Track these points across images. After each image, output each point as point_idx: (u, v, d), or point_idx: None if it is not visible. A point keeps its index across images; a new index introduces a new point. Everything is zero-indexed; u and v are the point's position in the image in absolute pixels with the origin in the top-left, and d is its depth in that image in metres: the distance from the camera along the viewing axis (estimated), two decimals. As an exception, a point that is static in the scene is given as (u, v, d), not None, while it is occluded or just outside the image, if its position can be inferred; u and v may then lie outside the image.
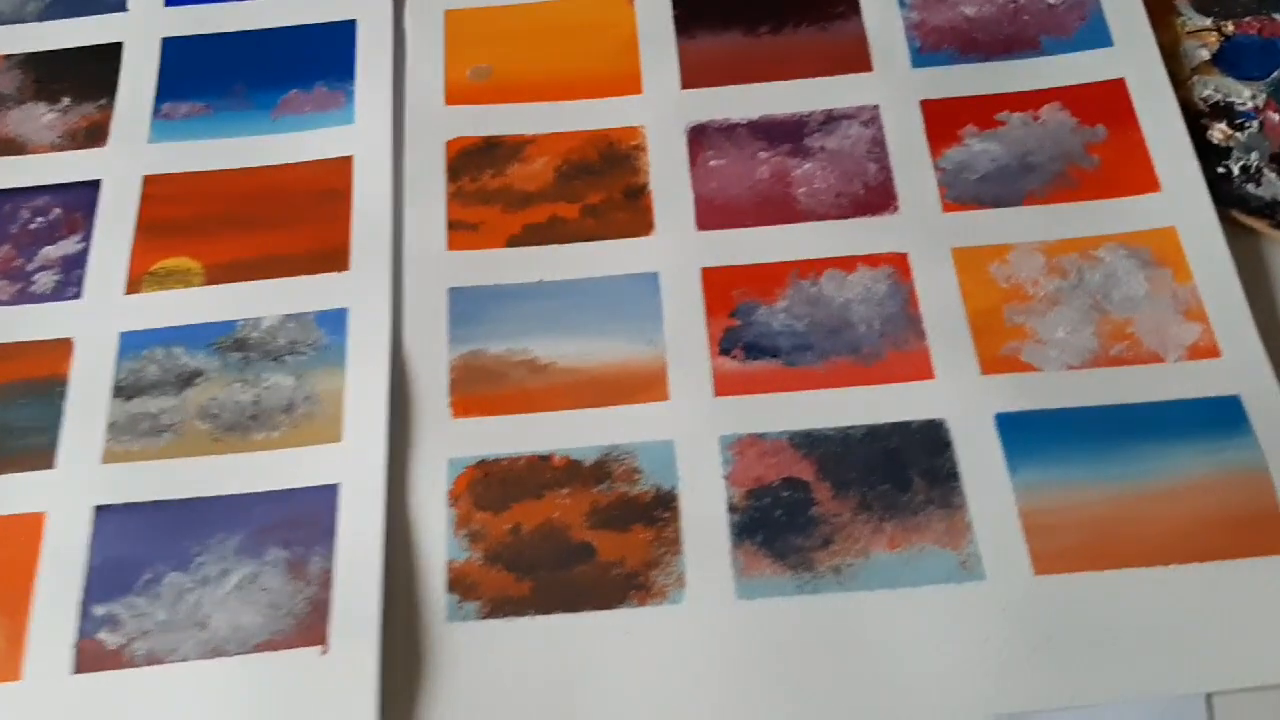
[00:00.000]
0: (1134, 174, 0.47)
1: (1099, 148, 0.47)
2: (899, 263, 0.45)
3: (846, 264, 0.45)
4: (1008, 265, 0.45)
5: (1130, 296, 0.44)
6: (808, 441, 0.42)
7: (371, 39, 0.51)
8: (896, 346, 0.44)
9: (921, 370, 0.43)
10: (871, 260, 0.45)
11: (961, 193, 0.47)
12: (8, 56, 0.52)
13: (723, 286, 0.45)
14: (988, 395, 0.42)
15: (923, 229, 0.46)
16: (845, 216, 0.46)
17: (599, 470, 0.42)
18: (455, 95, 0.50)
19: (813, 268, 0.45)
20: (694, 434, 0.42)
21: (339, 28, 0.52)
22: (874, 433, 0.42)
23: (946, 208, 0.46)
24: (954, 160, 0.47)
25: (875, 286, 0.45)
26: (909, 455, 0.41)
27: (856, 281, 0.45)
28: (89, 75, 0.51)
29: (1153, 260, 0.45)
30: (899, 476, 0.41)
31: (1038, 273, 0.45)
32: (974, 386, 0.42)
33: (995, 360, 0.43)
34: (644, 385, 0.43)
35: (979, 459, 0.41)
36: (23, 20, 0.53)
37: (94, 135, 0.50)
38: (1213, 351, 0.43)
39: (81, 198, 0.48)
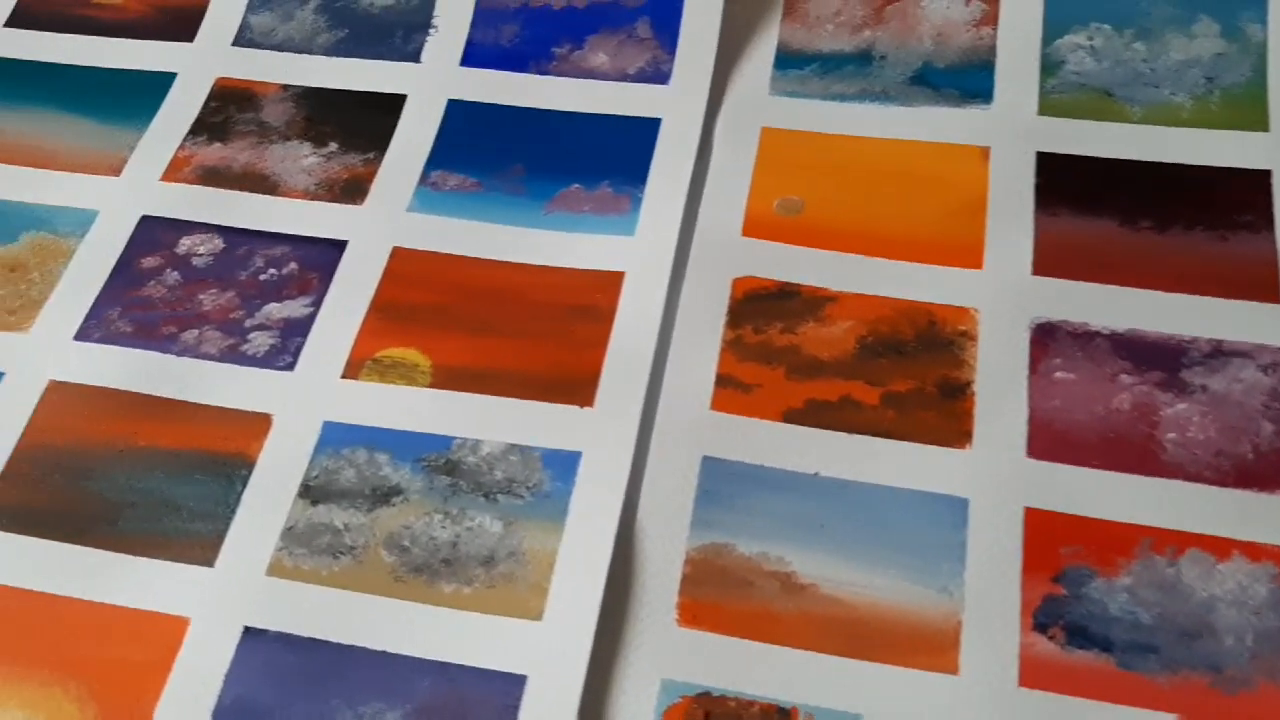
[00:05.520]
0: None
1: None
2: (1292, 563, 0.34)
3: (1219, 547, 0.35)
4: None
5: None
6: (1136, 784, 0.31)
7: (674, 143, 0.44)
8: (1273, 677, 0.32)
9: (1309, 723, 0.32)
10: (1253, 551, 0.35)
11: (1391, 488, 0.35)
12: (285, 86, 0.48)
13: (1049, 538, 0.35)
14: (1405, 785, 0.31)
15: (1331, 525, 0.35)
16: (1224, 484, 0.36)
17: (849, 746, 0.32)
18: (755, 227, 0.42)
19: (1172, 541, 0.35)
20: (983, 730, 0.32)
21: (640, 124, 0.45)
22: (1232, 797, 0.31)
23: (1367, 504, 0.35)
24: (1384, 442, 0.36)
25: (1253, 587, 0.34)
26: (1280, 844, 0.30)
27: (1228, 574, 0.34)
28: (364, 124, 0.46)
29: None
30: None
31: None
32: (1385, 767, 0.31)
33: None
34: (926, 646, 0.34)
35: None
36: (310, 52, 0.49)
37: (353, 190, 0.44)
38: None
39: (323, 256, 0.43)
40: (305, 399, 0.39)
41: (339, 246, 0.43)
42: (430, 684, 0.33)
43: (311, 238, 0.43)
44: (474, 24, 0.48)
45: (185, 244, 0.44)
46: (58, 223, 0.45)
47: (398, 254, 0.42)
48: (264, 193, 0.45)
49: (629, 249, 0.42)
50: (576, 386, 0.39)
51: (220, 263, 0.43)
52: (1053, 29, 0.46)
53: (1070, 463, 0.36)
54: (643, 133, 0.45)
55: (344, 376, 0.40)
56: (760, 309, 0.40)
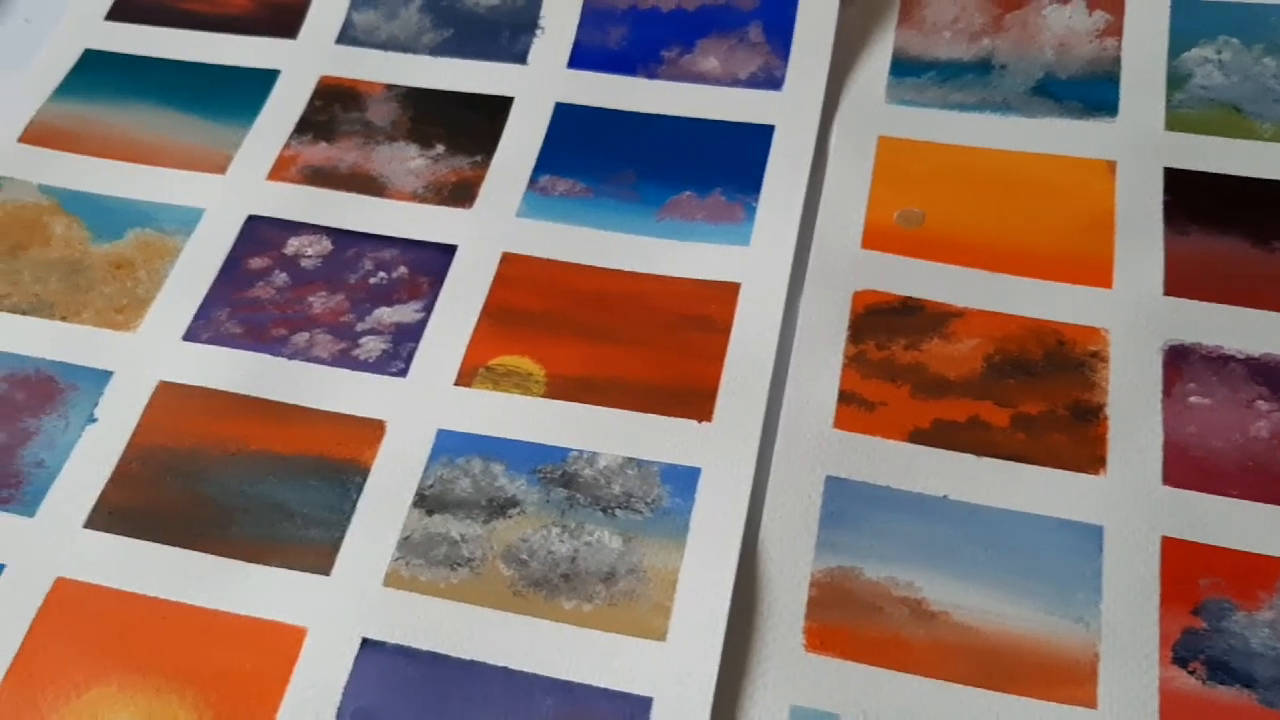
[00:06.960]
0: None
1: None
2: None
3: (1365, 584, 0.34)
4: None
5: None
6: (1290, 831, 0.30)
7: (789, 151, 0.43)
8: None
9: None
10: (1403, 588, 0.33)
11: None
12: (389, 86, 0.47)
13: (1187, 569, 0.34)
14: None
15: None
16: (1371, 518, 0.35)
17: (988, 782, 0.31)
18: (875, 239, 0.41)
19: (1316, 576, 0.34)
20: (1125, 769, 0.31)
21: (753, 131, 0.44)
22: None
23: None
24: None
25: (1405, 627, 0.33)
26: None
27: (1378, 612, 0.33)
28: (470, 126, 0.46)
29: None
30: None
31: None
32: None
33: None
34: (1063, 678, 0.33)
35: None
36: (414, 51, 0.48)
37: (461, 194, 0.44)
38: None
39: (433, 261, 0.42)
40: (419, 406, 0.39)
41: (448, 251, 0.42)
42: (554, 703, 0.33)
43: (421, 241, 0.43)
44: (581, 25, 0.47)
45: (293, 245, 0.43)
46: (163, 220, 0.44)
47: (508, 259, 0.42)
48: (371, 194, 0.44)
49: (744, 259, 0.41)
50: (694, 400, 0.38)
51: (329, 265, 0.42)
52: (1179, 42, 0.44)
53: (1208, 491, 0.35)
54: (756, 140, 0.44)
55: (457, 384, 0.39)
56: (883, 324, 0.40)
